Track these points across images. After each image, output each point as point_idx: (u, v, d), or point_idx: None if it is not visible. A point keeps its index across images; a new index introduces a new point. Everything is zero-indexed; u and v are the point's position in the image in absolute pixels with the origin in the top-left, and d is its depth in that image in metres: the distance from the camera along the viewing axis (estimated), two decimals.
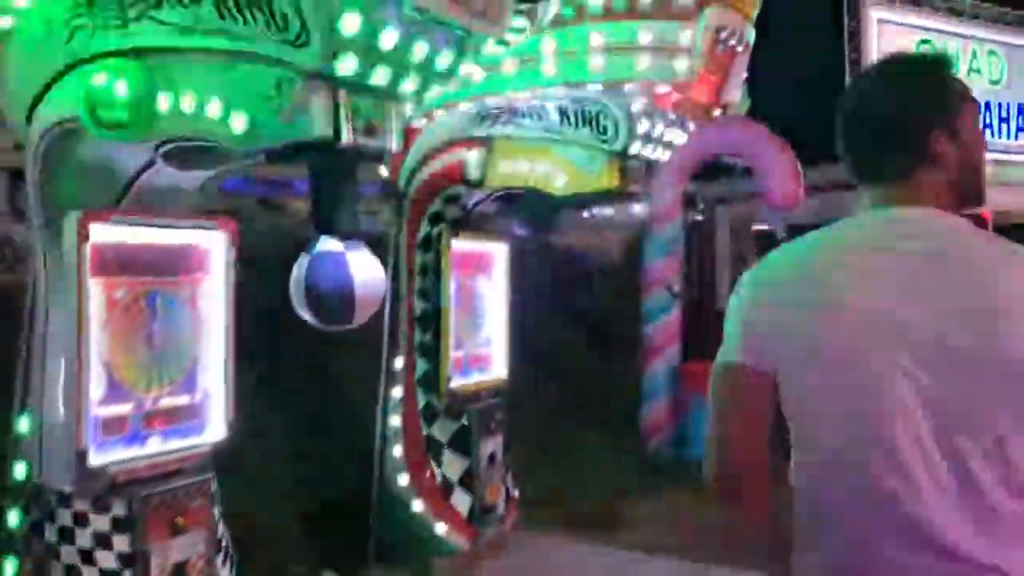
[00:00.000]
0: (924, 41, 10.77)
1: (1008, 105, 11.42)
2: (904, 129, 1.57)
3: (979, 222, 1.64)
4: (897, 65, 1.69)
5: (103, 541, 2.92)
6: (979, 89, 10.92)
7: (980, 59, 11.20)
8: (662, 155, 4.86)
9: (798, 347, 1.54)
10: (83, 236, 2.79)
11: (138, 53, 2.63)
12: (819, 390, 1.52)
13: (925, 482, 1.42)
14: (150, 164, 2.92)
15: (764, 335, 1.58)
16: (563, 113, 4.51)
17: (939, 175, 1.57)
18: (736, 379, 1.61)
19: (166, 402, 3.10)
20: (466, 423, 4.98)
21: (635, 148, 4.57)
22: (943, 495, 1.41)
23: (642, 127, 4.48)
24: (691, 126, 4.78)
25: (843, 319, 1.49)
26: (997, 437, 1.41)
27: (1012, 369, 1.41)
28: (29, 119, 2.87)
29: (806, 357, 1.53)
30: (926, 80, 1.61)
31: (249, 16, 2.45)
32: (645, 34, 4.11)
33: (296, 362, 5.73)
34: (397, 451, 4.93)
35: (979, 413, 1.42)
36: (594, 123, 4.49)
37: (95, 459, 2.85)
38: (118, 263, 2.92)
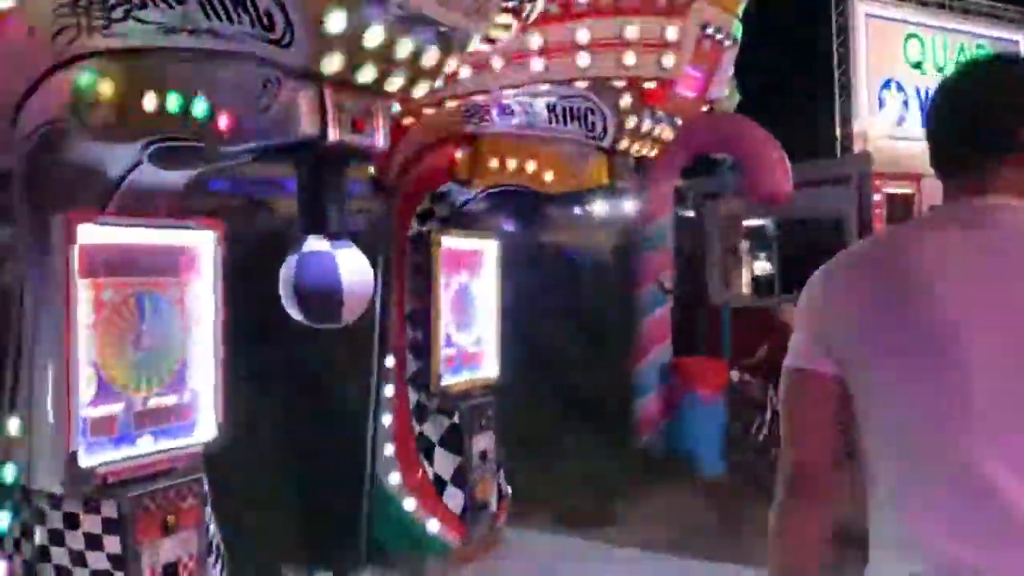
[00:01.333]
0: (912, 35, 10.81)
1: None
2: (995, 121, 1.55)
3: None
4: (997, 62, 1.70)
5: (94, 542, 2.91)
6: None
7: (968, 53, 11.25)
8: (651, 151, 4.87)
9: (880, 340, 1.48)
10: (70, 237, 2.78)
11: (123, 53, 2.62)
12: (907, 381, 1.45)
13: None
14: (136, 164, 2.91)
15: (833, 335, 1.54)
16: (551, 110, 4.52)
17: (1021, 172, 1.54)
18: (800, 385, 1.59)
19: (156, 402, 3.09)
20: (457, 421, 4.98)
21: (623, 144, 4.58)
22: None
23: (630, 123, 4.49)
24: (679, 122, 4.79)
25: (930, 306, 1.44)
26: None
27: None
28: (14, 120, 2.86)
29: (890, 349, 1.47)
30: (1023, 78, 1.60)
31: (235, 15, 2.45)
32: (632, 30, 4.12)
33: (286, 361, 5.73)
34: (389, 449, 4.94)
35: None
36: (582, 120, 4.49)
37: (85, 460, 2.84)
38: (106, 264, 2.92)
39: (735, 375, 7.47)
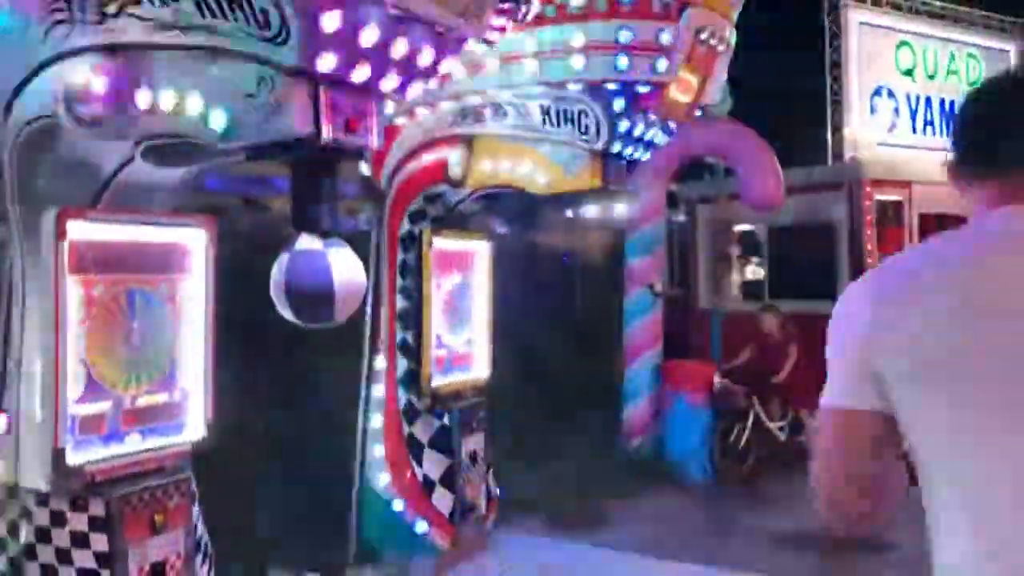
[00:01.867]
0: (904, 43, 10.86)
1: None
2: None
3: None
4: None
5: (80, 540, 2.90)
6: (957, 91, 11.05)
7: (958, 61, 11.31)
8: (643, 154, 4.88)
9: (955, 362, 1.35)
10: (61, 233, 2.76)
11: (117, 49, 2.61)
12: (981, 407, 1.34)
13: None
14: (129, 161, 2.90)
15: (883, 361, 1.40)
16: (545, 112, 4.52)
17: None
18: (840, 426, 1.46)
19: (145, 400, 3.08)
20: (447, 422, 4.98)
21: (616, 147, 4.58)
22: None
23: (623, 126, 4.50)
24: (672, 126, 4.80)
25: (1012, 327, 1.33)
26: None
27: None
28: (6, 115, 2.85)
29: (965, 373, 1.35)
30: None
31: (229, 13, 2.44)
32: (626, 34, 4.13)
33: (276, 361, 5.70)
34: (378, 450, 4.93)
35: None
36: (575, 122, 4.49)
37: (73, 458, 2.83)
38: (96, 260, 2.90)
39: (717, 380, 7.48)
